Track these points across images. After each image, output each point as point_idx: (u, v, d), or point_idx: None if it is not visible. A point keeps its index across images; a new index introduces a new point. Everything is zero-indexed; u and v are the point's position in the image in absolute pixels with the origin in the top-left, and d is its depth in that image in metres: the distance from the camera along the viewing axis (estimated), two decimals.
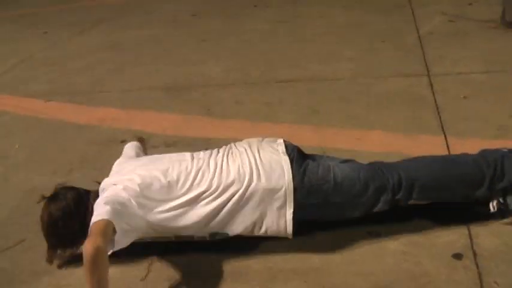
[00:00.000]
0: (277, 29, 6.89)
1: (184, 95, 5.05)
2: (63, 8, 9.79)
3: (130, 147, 3.24)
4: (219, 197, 2.65)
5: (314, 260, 2.71)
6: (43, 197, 3.23)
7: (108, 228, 2.42)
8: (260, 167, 2.68)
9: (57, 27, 8.30)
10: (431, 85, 4.59)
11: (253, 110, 4.50)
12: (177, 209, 2.64)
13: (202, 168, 2.71)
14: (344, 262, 2.67)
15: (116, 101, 5.08)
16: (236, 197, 2.64)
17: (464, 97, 4.32)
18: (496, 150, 2.88)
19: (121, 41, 7.15)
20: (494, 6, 6.59)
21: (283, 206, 2.66)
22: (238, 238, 2.77)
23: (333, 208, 2.74)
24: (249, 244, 2.81)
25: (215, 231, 2.71)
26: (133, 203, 2.58)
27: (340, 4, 7.76)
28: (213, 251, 2.82)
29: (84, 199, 2.76)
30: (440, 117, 3.99)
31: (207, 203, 2.64)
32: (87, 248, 2.29)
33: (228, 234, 2.73)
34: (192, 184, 2.66)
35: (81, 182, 3.31)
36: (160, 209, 2.63)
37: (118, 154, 3.29)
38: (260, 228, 2.71)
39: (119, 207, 2.52)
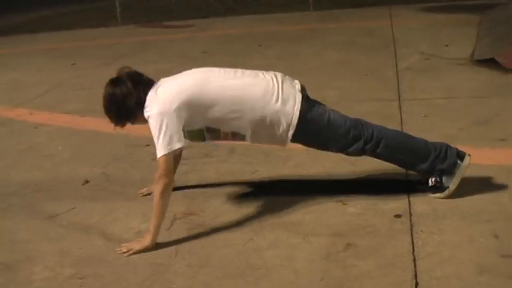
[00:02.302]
0: (277, 64, 7.86)
1: None
2: (88, 45, 10.83)
3: None
4: (246, 104, 3.57)
5: (292, 216, 3.71)
6: (86, 181, 4.28)
7: (170, 160, 3.45)
8: (280, 94, 3.60)
9: (83, 60, 9.29)
10: (400, 107, 5.59)
11: None
12: (214, 105, 3.57)
13: (237, 79, 3.67)
14: (314, 218, 3.67)
15: None
16: (259, 108, 3.57)
17: (425, 116, 5.32)
18: (442, 142, 3.85)
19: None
20: (467, 48, 7.68)
21: (288, 126, 3.61)
22: (235, 196, 3.89)
23: (321, 139, 3.73)
24: (243, 204, 3.88)
25: (237, 130, 3.66)
26: (177, 108, 3.50)
27: (333, 45, 8.81)
28: (217, 212, 3.83)
29: (140, 85, 3.67)
30: (402, 130, 4.95)
31: (236, 106, 3.57)
32: (157, 187, 3.41)
33: (245, 135, 3.68)
34: (229, 88, 3.61)
35: (116, 173, 4.48)
36: (200, 105, 3.57)
37: (145, 154, 4.37)
38: (269, 136, 3.68)
39: (170, 130, 3.46)
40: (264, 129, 3.63)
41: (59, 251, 3.56)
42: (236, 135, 3.71)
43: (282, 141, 3.71)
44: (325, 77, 6.97)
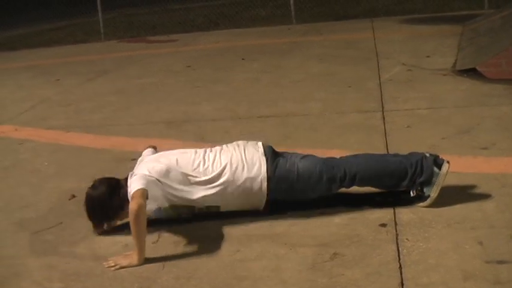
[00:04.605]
0: (260, 78, 7.96)
1: (182, 127, 6.09)
2: (71, 60, 10.86)
3: (147, 150, 4.23)
4: (215, 180, 3.70)
5: (278, 228, 3.73)
6: (73, 196, 4.30)
7: (145, 193, 3.48)
8: (245, 162, 3.74)
9: (67, 76, 9.32)
10: (384, 118, 5.64)
11: (239, 137, 5.41)
12: (187, 185, 3.69)
13: (204, 159, 3.77)
14: (300, 230, 3.68)
15: (124, 132, 6.11)
16: (228, 181, 3.70)
17: (408, 126, 5.37)
18: (418, 153, 3.90)
19: (125, 88, 8.17)
20: (448, 58, 7.77)
21: (260, 189, 3.73)
22: (221, 215, 3.83)
23: (297, 192, 3.80)
24: (229, 216, 3.86)
25: (210, 204, 3.77)
26: (156, 180, 3.63)
27: (316, 58, 8.90)
28: (204, 224, 3.83)
29: (116, 186, 3.78)
30: (386, 140, 5.02)
31: (207, 184, 3.70)
32: (132, 206, 3.38)
33: (219, 206, 3.78)
34: (197, 170, 3.72)
35: None
36: (175, 185, 3.69)
37: (130, 168, 4.29)
38: (243, 203, 3.79)
39: (147, 181, 3.56)
40: (236, 198, 3.77)
41: (46, 266, 3.55)
42: (211, 209, 3.82)
43: (257, 205, 3.82)
44: (308, 90, 7.03)
